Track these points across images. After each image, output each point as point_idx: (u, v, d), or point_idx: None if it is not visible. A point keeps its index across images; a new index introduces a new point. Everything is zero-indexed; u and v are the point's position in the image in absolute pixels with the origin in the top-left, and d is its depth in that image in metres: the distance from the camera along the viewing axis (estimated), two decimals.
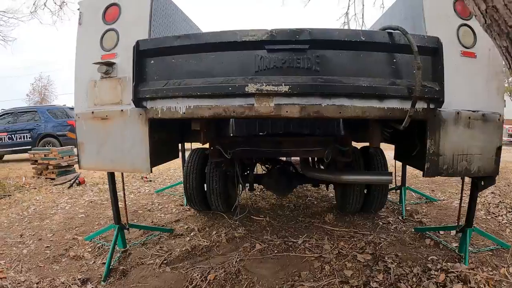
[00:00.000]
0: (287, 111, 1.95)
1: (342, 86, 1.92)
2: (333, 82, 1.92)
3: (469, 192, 2.69)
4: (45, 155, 6.75)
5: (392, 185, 4.45)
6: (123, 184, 3.22)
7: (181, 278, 2.52)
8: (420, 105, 2.02)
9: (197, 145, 3.82)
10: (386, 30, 2.02)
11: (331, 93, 1.94)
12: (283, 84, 1.89)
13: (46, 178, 6.64)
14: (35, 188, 5.89)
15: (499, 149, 2.23)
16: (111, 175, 2.85)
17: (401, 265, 2.58)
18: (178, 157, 3.08)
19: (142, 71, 2.15)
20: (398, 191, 4.44)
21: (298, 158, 4.06)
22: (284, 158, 4.34)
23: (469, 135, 2.16)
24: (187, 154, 4.11)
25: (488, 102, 2.19)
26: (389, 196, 4.26)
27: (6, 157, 11.23)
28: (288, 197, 4.72)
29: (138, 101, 2.15)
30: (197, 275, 2.52)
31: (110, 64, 2.27)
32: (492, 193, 4.75)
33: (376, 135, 2.61)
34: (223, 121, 3.93)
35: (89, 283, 2.48)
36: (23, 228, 3.73)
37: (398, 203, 4.31)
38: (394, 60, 2.01)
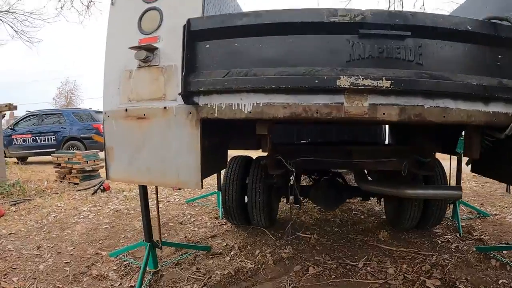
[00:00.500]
0: (384, 113, 1.60)
1: (450, 84, 1.61)
2: (440, 79, 1.60)
3: None
4: (68, 159, 6.56)
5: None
6: (157, 195, 2.81)
7: None
8: None
9: (234, 152, 3.44)
10: (492, 20, 1.70)
11: (435, 92, 1.61)
12: (383, 78, 1.54)
13: (69, 182, 6.43)
14: (57, 193, 5.62)
15: None
16: (143, 187, 2.45)
17: None
18: (226, 166, 2.62)
19: (194, 57, 1.71)
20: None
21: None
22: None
23: None
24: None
25: None
26: None
27: (29, 159, 11.25)
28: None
29: (188, 95, 1.70)
30: None
31: (152, 50, 1.84)
32: None
33: (476, 144, 2.13)
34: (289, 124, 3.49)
35: None
36: (41, 238, 3.44)
37: (450, 219, 3.92)
38: (500, 56, 1.71)
